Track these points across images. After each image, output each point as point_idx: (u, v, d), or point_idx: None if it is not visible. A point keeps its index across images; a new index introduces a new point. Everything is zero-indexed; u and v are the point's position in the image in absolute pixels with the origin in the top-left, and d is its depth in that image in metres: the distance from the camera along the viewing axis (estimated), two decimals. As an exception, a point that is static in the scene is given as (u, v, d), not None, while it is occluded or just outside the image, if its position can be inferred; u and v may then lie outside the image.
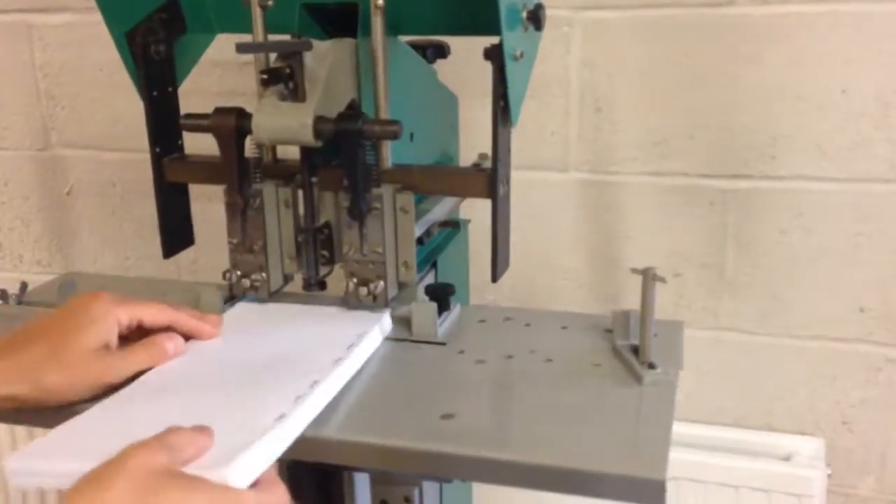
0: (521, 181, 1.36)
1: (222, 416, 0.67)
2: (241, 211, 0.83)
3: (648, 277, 0.75)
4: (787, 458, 1.34)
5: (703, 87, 1.26)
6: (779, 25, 1.21)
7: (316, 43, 0.81)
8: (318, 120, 0.78)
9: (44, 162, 1.52)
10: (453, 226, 1.01)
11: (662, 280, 0.74)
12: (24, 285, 0.92)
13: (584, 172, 1.35)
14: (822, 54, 1.21)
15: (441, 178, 0.86)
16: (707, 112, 1.27)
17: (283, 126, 0.78)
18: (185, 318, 0.81)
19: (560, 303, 1.39)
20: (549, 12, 0.85)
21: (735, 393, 1.38)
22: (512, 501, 1.39)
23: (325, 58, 0.81)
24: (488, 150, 0.86)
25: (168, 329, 0.80)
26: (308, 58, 0.80)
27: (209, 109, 0.82)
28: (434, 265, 1.01)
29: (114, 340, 0.76)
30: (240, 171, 0.81)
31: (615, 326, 0.82)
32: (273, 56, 0.82)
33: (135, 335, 0.79)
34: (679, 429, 1.40)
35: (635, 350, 0.79)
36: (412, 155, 0.93)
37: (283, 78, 0.78)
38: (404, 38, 0.94)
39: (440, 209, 0.96)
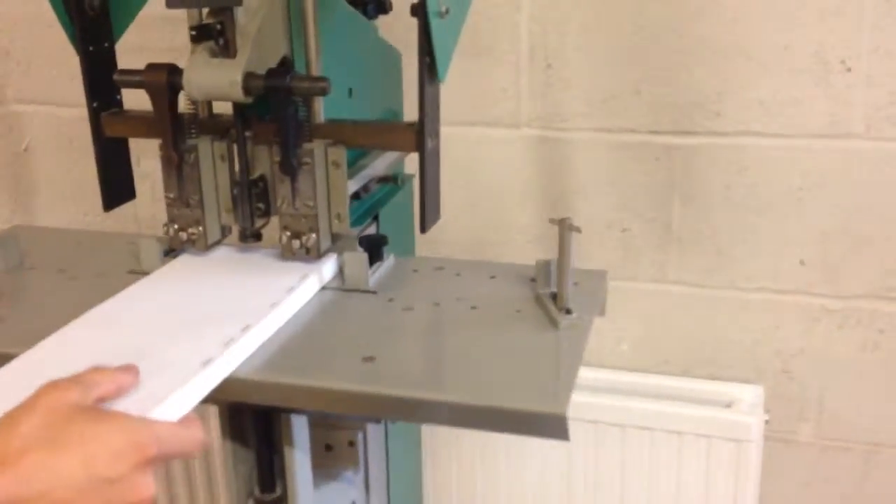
0: (473, 137, 1.40)
1: (150, 360, 0.70)
2: (177, 165, 0.86)
3: (564, 227, 0.78)
4: (728, 406, 1.38)
5: (650, 43, 1.28)
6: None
7: (247, -1, 0.83)
8: (248, 76, 0.81)
9: (0, 118, 1.53)
10: (392, 181, 1.04)
11: (577, 230, 0.78)
12: (-33, 237, 0.94)
13: (535, 129, 1.38)
14: (766, 11, 1.23)
15: (370, 132, 0.88)
16: (654, 68, 1.29)
17: (214, 82, 0.80)
18: None
19: (510, 257, 1.42)
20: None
21: (681, 343, 1.42)
22: (460, 444, 1.44)
23: (255, 13, 0.83)
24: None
25: None
26: (239, 13, 0.82)
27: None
28: (376, 218, 1.03)
29: None
30: (173, 127, 0.83)
31: (538, 275, 0.86)
32: (206, 12, 0.84)
33: None
34: (627, 378, 1.45)
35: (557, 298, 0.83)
36: (351, 111, 0.95)
37: (213, 34, 0.80)
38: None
39: (379, 164, 0.98)
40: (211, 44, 0.81)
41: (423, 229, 0.86)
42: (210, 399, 0.75)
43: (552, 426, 0.68)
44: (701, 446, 1.36)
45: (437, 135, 0.87)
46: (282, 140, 0.82)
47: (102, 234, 1.05)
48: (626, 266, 1.40)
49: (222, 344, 0.74)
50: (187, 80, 0.81)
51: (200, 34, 0.79)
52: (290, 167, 0.83)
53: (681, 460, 1.37)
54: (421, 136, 0.84)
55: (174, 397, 0.66)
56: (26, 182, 1.57)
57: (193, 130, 0.87)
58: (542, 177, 1.40)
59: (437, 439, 1.44)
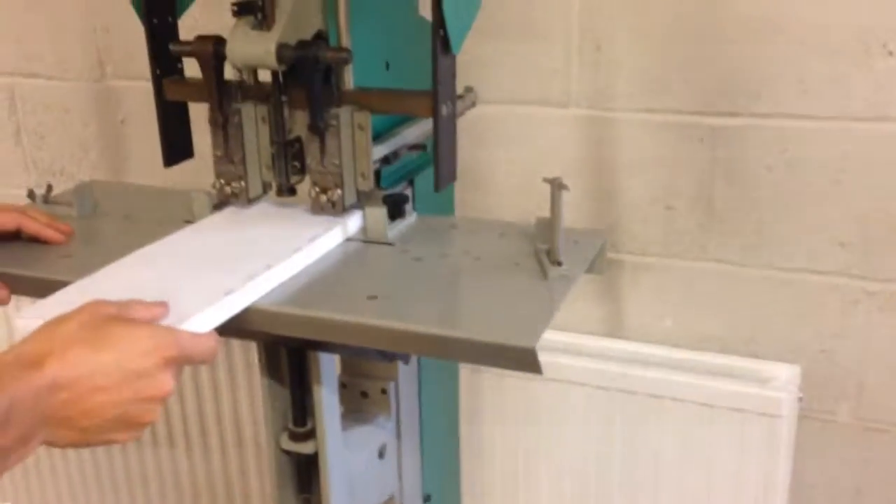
0: (524, 116, 1.47)
1: (182, 287, 0.82)
2: (223, 126, 0.97)
3: (556, 186, 0.85)
4: (764, 383, 1.41)
5: (694, 27, 1.32)
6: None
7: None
8: (281, 47, 0.91)
9: (100, 92, 1.69)
10: (423, 149, 1.12)
11: (566, 188, 0.85)
12: (49, 187, 1.08)
13: (583, 108, 1.44)
14: (809, -7, 1.26)
15: (391, 98, 0.97)
16: (698, 51, 1.33)
17: (251, 52, 0.92)
18: (31, 224, 0.98)
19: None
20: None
21: (721, 321, 1.46)
22: (503, 405, 1.52)
23: (292, -11, 0.93)
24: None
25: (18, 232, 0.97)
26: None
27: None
28: (411, 183, 1.12)
29: None
30: (219, 91, 0.95)
31: (536, 232, 0.93)
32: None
33: None
34: (668, 353, 1.50)
35: (553, 253, 0.90)
36: (388, 83, 1.05)
37: (254, 9, 0.91)
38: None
39: (410, 133, 1.07)
40: (251, 18, 0.92)
41: (437, 188, 0.95)
42: (249, 335, 0.85)
43: (524, 359, 0.75)
44: (734, 420, 1.39)
45: (452, 102, 0.95)
46: (310, 104, 0.93)
47: (167, 189, 1.18)
48: (669, 243, 1.45)
49: (245, 278, 0.84)
50: (229, 49, 0.93)
51: (242, 9, 0.91)
52: (317, 128, 0.93)
53: (714, 433, 1.41)
54: (435, 103, 0.92)
55: (197, 318, 0.77)
56: (122, 151, 1.73)
57: (239, 94, 0.98)
58: (589, 155, 1.46)
59: (479, 396, 1.52)
